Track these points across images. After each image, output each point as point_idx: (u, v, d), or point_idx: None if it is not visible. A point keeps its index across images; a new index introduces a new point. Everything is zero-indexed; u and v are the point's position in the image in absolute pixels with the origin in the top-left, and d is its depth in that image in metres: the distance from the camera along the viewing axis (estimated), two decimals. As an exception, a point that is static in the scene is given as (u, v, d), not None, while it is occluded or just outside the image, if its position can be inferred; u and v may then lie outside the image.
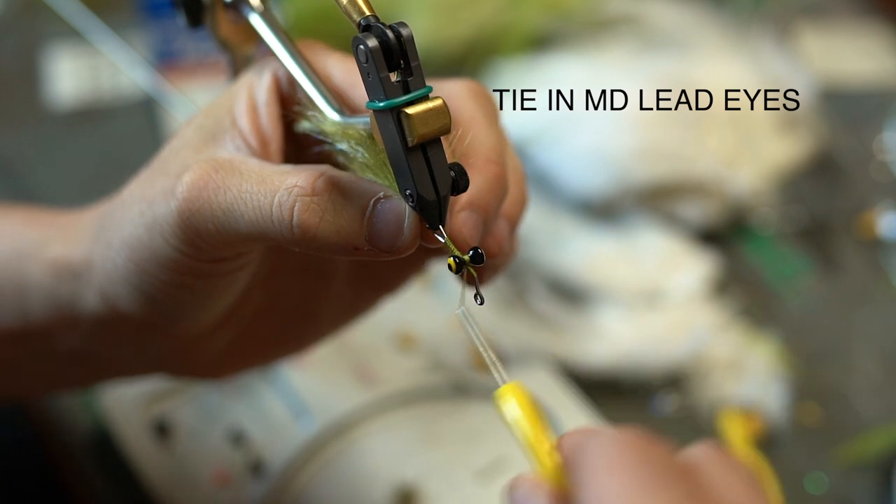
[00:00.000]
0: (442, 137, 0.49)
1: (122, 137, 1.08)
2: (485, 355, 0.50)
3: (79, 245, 0.59)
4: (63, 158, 1.06)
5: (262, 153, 0.54)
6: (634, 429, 0.45)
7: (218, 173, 0.52)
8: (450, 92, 0.55)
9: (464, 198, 0.52)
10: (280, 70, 0.56)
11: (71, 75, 1.12)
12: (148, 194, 0.54)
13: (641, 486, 0.42)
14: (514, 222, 0.57)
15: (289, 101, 0.56)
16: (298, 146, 0.57)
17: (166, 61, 1.08)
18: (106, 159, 1.06)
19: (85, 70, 1.12)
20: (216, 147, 0.55)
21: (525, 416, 0.47)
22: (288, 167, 0.52)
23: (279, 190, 0.51)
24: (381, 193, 0.51)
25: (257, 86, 0.56)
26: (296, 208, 0.50)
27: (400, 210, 0.50)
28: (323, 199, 0.50)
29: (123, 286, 0.56)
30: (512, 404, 0.48)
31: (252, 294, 0.61)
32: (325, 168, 0.52)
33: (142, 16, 1.08)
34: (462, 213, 0.52)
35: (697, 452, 0.46)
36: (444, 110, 0.49)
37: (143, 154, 0.95)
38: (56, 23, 1.13)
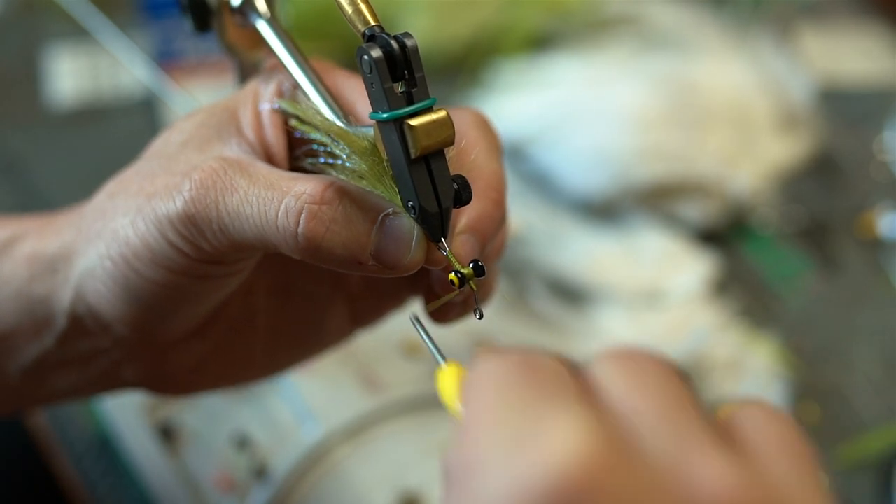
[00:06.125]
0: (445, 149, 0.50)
1: (122, 137, 1.08)
2: (428, 344, 0.49)
3: (56, 238, 0.57)
4: (63, 158, 1.06)
5: (268, 156, 0.54)
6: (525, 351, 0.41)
7: (227, 174, 0.51)
8: (455, 118, 0.55)
9: (463, 220, 0.52)
10: (285, 83, 0.56)
11: (71, 75, 1.12)
12: (147, 189, 0.53)
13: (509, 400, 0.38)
14: (491, 260, 0.56)
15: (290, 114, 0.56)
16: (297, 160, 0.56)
17: (167, 61, 1.08)
18: (106, 159, 1.05)
19: (85, 69, 1.12)
20: (222, 146, 0.54)
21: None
22: (296, 174, 0.51)
23: (287, 196, 0.50)
24: (391, 209, 0.50)
25: (262, 97, 0.55)
26: (303, 216, 0.49)
27: (409, 227, 0.50)
28: (331, 209, 0.50)
29: (104, 281, 0.54)
30: (449, 382, 0.45)
31: (230, 308, 0.59)
32: (335, 178, 0.51)
33: (142, 16, 1.08)
34: (462, 235, 0.52)
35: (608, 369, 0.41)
36: (447, 122, 0.49)
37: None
38: (56, 22, 1.13)
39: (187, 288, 0.54)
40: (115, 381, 0.61)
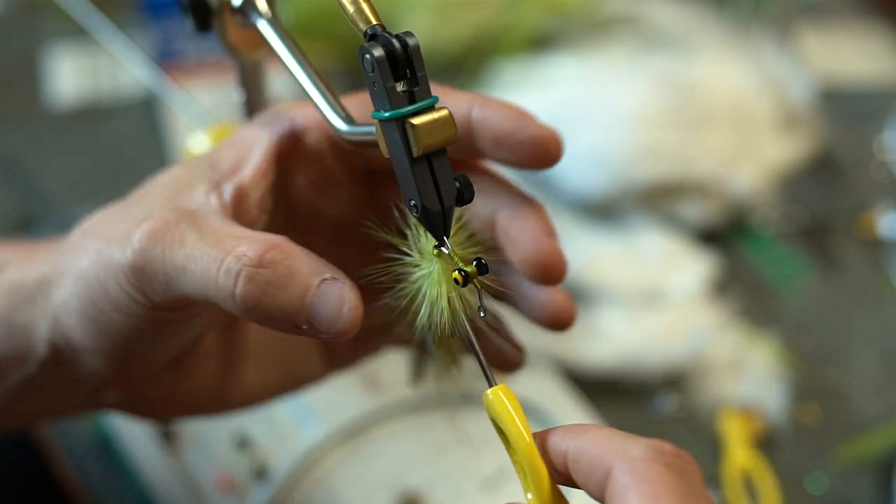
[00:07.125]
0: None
1: (122, 137, 1.08)
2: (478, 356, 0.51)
3: (35, 268, 0.57)
4: (63, 158, 1.06)
5: (236, 203, 0.54)
6: (666, 445, 0.43)
7: (178, 227, 0.51)
8: (457, 104, 0.54)
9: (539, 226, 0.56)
10: (308, 118, 0.56)
11: (71, 74, 1.12)
12: (108, 233, 0.53)
13: None
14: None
15: (316, 150, 0.56)
16: (294, 211, 0.56)
17: (167, 61, 1.08)
18: (106, 159, 1.06)
19: (85, 69, 1.12)
20: (190, 192, 0.54)
21: (520, 426, 0.48)
22: (246, 233, 0.51)
23: (228, 255, 0.50)
24: (328, 274, 0.50)
25: (259, 138, 0.55)
26: (241, 278, 0.49)
27: (341, 294, 0.50)
28: (268, 273, 0.49)
29: (76, 315, 0.55)
30: (505, 409, 0.49)
31: (203, 341, 0.59)
32: (282, 240, 0.51)
33: (142, 16, 1.08)
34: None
35: None
36: (449, 121, 0.49)
37: (143, 153, 0.94)
38: (56, 22, 1.13)
39: (150, 331, 0.54)
40: (97, 404, 0.61)
